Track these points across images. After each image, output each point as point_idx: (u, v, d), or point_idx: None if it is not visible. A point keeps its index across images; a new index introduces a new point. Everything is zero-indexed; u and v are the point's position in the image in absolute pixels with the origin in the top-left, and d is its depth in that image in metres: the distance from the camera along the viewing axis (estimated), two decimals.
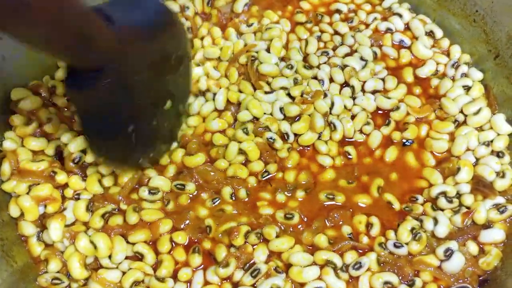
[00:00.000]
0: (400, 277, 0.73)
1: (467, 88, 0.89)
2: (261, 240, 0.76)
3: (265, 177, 0.83)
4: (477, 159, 0.83)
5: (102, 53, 0.59)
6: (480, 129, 0.86)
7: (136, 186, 0.81)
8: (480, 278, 0.74)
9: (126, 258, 0.75)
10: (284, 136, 0.85)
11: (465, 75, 0.92)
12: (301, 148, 0.86)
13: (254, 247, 0.75)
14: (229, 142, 0.83)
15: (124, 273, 0.74)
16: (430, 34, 0.97)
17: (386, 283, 0.72)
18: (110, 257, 0.74)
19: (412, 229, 0.76)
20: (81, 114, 0.70)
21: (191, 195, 0.81)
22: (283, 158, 0.84)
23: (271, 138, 0.83)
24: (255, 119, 0.86)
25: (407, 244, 0.75)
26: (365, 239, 0.77)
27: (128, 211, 0.77)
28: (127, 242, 0.75)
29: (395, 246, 0.75)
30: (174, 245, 0.76)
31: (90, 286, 0.72)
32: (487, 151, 0.83)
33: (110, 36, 0.59)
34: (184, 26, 0.82)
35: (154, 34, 0.68)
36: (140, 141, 0.74)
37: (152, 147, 0.79)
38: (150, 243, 0.76)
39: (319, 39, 0.97)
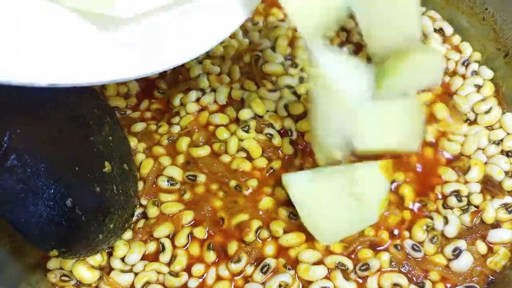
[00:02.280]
0: (409, 278, 0.73)
1: (478, 87, 0.89)
2: (271, 237, 0.76)
3: (269, 173, 0.82)
4: (488, 158, 0.83)
5: None
6: (490, 128, 0.86)
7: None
8: (489, 278, 0.74)
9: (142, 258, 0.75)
10: (287, 133, 0.85)
11: (475, 73, 0.91)
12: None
13: (265, 242, 0.76)
14: (230, 137, 0.84)
15: (136, 274, 0.74)
16: (440, 31, 0.96)
17: (395, 285, 0.72)
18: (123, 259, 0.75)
19: (427, 226, 0.76)
20: (0, 207, 0.59)
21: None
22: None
23: (269, 134, 0.84)
24: (258, 117, 0.86)
25: (421, 243, 0.75)
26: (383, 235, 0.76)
27: (148, 205, 0.78)
28: (152, 237, 0.76)
29: (413, 249, 0.74)
30: (190, 239, 0.77)
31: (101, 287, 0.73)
32: (497, 150, 0.83)
33: None
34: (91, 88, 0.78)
35: (47, 97, 0.64)
36: (90, 214, 0.65)
37: (108, 216, 0.69)
38: (170, 236, 0.77)
39: None
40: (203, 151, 0.83)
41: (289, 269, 0.73)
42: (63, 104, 0.67)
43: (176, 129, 0.87)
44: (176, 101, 0.91)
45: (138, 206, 0.79)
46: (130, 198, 0.75)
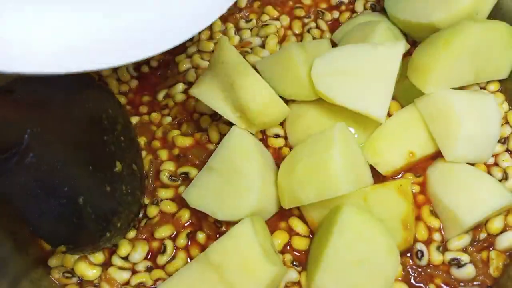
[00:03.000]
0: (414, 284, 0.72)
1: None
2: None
3: None
4: (494, 157, 0.81)
5: (9, 127, 0.56)
6: None
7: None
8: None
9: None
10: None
11: None
12: None
13: None
14: (211, 126, 0.85)
15: (134, 272, 0.75)
16: None
17: None
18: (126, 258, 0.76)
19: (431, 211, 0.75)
20: (12, 201, 0.60)
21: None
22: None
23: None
24: None
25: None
26: None
27: (148, 204, 0.79)
28: (154, 238, 0.77)
29: (417, 256, 0.73)
30: (190, 240, 0.77)
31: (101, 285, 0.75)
32: (502, 149, 0.81)
33: (14, 107, 0.56)
34: (107, 88, 0.79)
35: (67, 97, 0.66)
36: (100, 212, 0.67)
37: (116, 215, 0.70)
38: (172, 236, 0.78)
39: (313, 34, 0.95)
40: (188, 141, 0.84)
41: (296, 265, 0.74)
42: (81, 104, 0.69)
43: (167, 120, 0.88)
44: (160, 97, 0.91)
45: (143, 205, 0.80)
46: (137, 197, 0.76)
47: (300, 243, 0.75)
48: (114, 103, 0.77)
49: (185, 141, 0.85)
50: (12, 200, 0.60)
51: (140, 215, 0.79)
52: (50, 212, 0.61)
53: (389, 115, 0.80)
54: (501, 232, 0.74)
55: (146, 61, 0.96)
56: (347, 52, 0.75)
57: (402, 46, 0.74)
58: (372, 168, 0.77)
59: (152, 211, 0.79)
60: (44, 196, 0.60)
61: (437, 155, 0.78)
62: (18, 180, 0.58)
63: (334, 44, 0.91)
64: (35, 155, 0.57)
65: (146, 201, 0.80)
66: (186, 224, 0.78)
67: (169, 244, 0.76)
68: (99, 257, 0.75)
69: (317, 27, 0.96)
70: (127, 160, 0.74)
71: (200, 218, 0.78)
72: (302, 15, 0.98)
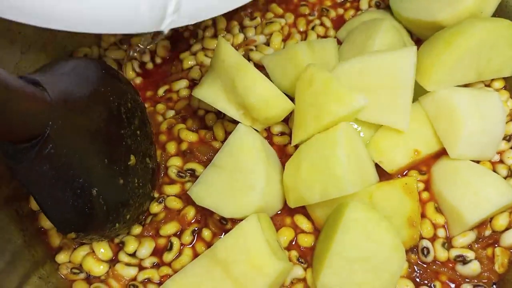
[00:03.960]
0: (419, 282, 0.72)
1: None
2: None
3: None
4: (498, 154, 0.81)
5: (34, 118, 0.56)
6: None
7: None
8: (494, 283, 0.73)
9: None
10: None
11: None
12: None
13: None
14: (216, 124, 0.85)
15: (141, 269, 0.76)
16: None
17: None
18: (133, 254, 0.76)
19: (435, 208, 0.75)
20: (30, 188, 0.62)
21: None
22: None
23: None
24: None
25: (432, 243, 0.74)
26: None
27: (152, 203, 0.80)
28: (159, 235, 0.78)
29: (423, 253, 0.73)
30: (195, 237, 0.78)
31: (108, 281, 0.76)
32: (507, 146, 0.81)
33: (40, 100, 0.56)
34: (128, 80, 0.80)
35: (89, 90, 0.66)
36: (111, 204, 0.67)
37: (127, 207, 0.71)
38: (178, 233, 0.78)
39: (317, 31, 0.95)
40: (193, 137, 0.85)
41: (302, 262, 0.74)
42: (104, 98, 0.69)
43: (171, 113, 0.88)
44: (161, 91, 0.91)
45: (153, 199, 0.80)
46: (148, 191, 0.77)
47: (306, 240, 0.76)
48: (133, 96, 0.77)
49: (189, 136, 0.85)
50: (30, 187, 0.61)
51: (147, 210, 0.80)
52: (64, 201, 0.62)
53: None
54: (506, 229, 0.74)
55: (151, 58, 0.96)
56: (359, 66, 0.74)
57: (413, 52, 0.73)
58: (377, 166, 0.77)
59: (155, 208, 0.79)
60: (60, 185, 0.61)
61: (441, 153, 0.78)
62: (37, 169, 0.59)
63: (338, 42, 0.91)
64: (54, 147, 0.58)
65: (156, 195, 0.81)
66: (191, 221, 0.79)
67: (175, 241, 0.77)
68: (106, 253, 0.76)
69: (322, 24, 0.96)
70: (141, 153, 0.75)
71: (205, 215, 0.79)
72: (306, 13, 0.99)
